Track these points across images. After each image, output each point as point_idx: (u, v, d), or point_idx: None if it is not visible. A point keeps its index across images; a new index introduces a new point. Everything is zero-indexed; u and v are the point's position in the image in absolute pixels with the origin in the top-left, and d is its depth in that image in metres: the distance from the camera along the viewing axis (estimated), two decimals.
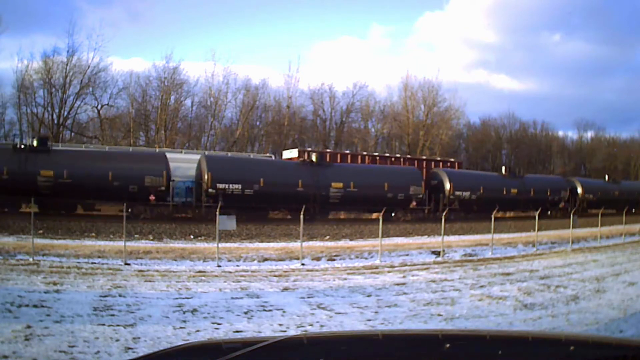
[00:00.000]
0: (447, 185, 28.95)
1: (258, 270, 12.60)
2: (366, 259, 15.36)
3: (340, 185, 25.39)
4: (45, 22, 67.00)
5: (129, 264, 12.48)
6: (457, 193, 29.04)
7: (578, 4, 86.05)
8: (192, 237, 19.31)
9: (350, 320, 7.71)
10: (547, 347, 2.13)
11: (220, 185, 22.67)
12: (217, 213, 14.55)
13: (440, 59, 79.74)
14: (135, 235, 17.97)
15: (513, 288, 10.63)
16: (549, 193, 33.02)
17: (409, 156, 40.28)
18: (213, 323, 7.27)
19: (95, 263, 12.51)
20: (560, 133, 69.21)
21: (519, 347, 2.07)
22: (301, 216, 15.14)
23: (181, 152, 32.90)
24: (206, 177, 22.64)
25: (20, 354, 5.50)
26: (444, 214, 17.40)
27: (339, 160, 30.24)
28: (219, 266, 12.85)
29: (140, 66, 71.16)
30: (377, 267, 13.68)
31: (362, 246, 18.11)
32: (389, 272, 12.87)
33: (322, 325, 7.35)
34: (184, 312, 7.83)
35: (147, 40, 77.73)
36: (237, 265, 13.23)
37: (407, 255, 16.24)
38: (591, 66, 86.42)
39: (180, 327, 6.95)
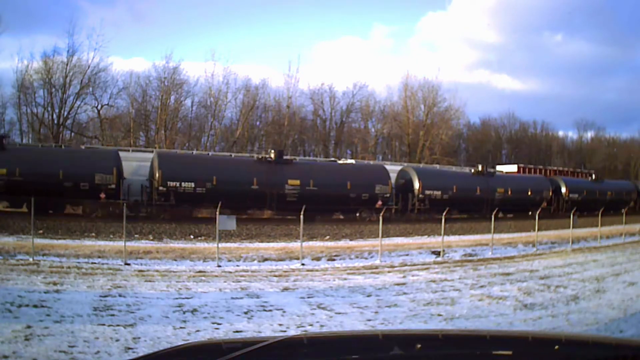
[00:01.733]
0: (417, 185, 27.63)
1: (258, 270, 12.60)
2: (366, 259, 15.36)
3: (297, 182, 24.19)
4: (45, 22, 67.18)
5: (129, 264, 12.48)
6: (427, 192, 27.76)
7: (579, 4, 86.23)
8: (192, 237, 19.31)
9: (350, 320, 7.71)
10: (547, 347, 2.13)
11: (172, 183, 22.16)
12: (217, 213, 14.54)
13: (442, 59, 79.97)
14: (135, 235, 17.97)
15: (513, 288, 10.63)
16: (529, 193, 31.64)
17: (540, 166, 39.42)
18: (213, 323, 7.27)
19: (95, 263, 12.51)
20: (560, 133, 69.42)
21: (519, 347, 2.06)
22: (301, 216, 15.13)
23: (145, 151, 31.54)
24: (157, 174, 22.30)
25: (20, 354, 5.51)
26: (445, 215, 17.35)
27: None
28: (219, 266, 12.85)
29: (140, 66, 71.48)
30: (377, 267, 13.68)
31: (362, 246, 18.10)
32: (389, 272, 12.87)
33: (322, 325, 7.35)
34: (184, 312, 7.83)
35: (147, 40, 77.86)
36: (237, 265, 13.23)
37: (407, 255, 16.24)
38: (592, 66, 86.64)
39: (180, 327, 6.95)
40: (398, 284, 11.01)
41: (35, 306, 7.72)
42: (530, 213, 29.16)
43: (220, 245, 14.27)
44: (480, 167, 31.77)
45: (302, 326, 7.34)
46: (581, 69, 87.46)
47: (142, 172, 24.38)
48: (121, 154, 24.36)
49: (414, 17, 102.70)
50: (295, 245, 16.69)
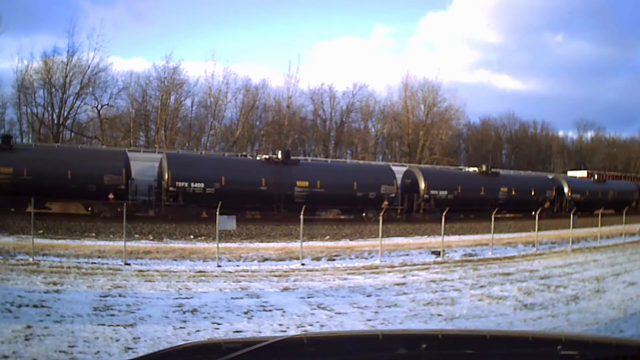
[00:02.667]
0: (422, 185, 27.74)
1: (258, 270, 12.60)
2: (366, 259, 15.36)
3: (306, 184, 24.45)
4: (45, 22, 67.07)
5: (129, 264, 12.48)
6: (432, 192, 27.86)
7: (580, 5, 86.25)
8: (192, 237, 19.31)
9: (350, 320, 7.71)
10: (547, 347, 2.13)
11: (180, 184, 22.34)
12: (217, 213, 14.54)
13: (443, 59, 79.96)
14: (135, 235, 17.98)
15: (513, 288, 10.63)
16: (533, 193, 31.67)
17: (612, 172, 39.69)
18: (213, 323, 7.27)
19: (95, 263, 12.51)
20: (561, 133, 69.42)
21: (519, 347, 2.06)
22: (301, 216, 15.14)
23: (153, 152, 31.95)
24: (167, 175, 22.42)
25: (20, 354, 5.51)
26: (445, 214, 17.36)
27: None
28: (219, 266, 12.85)
29: (140, 66, 71.44)
30: (377, 267, 13.68)
31: (362, 246, 18.11)
32: (389, 272, 12.87)
33: (322, 325, 7.35)
34: (184, 312, 7.83)
35: (147, 40, 77.81)
36: (237, 265, 13.23)
37: (407, 255, 16.24)
38: (592, 66, 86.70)
39: (180, 327, 6.95)
40: (398, 284, 11.01)
41: (35, 306, 7.72)
42: (533, 213, 29.43)
43: (220, 245, 14.27)
44: (484, 167, 32.19)
45: (302, 326, 7.34)
46: (581, 69, 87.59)
47: (149, 172, 24.55)
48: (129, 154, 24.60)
49: (414, 17, 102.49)
50: (295, 245, 16.69)
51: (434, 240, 19.53)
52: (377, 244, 16.51)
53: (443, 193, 28.06)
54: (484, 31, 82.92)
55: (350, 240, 20.75)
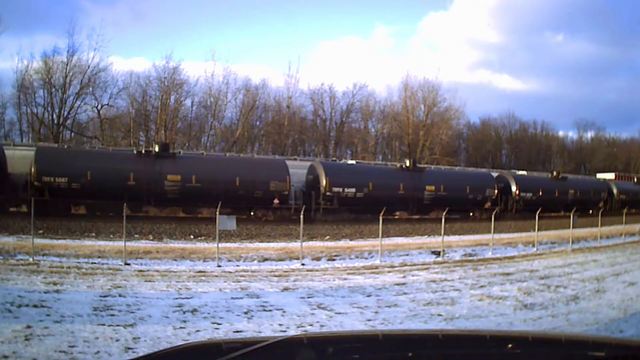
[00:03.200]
0: (323, 181, 25.13)
1: (258, 270, 12.60)
2: (366, 259, 15.36)
3: (178, 178, 22.71)
4: (45, 21, 67.19)
5: (129, 264, 12.48)
6: (336, 190, 25.17)
7: (580, 5, 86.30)
8: (192, 237, 19.31)
9: (350, 320, 7.70)
10: (547, 347, 2.13)
11: (47, 179, 21.09)
12: (217, 213, 14.54)
13: (443, 59, 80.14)
14: (135, 235, 17.98)
15: (513, 288, 10.63)
16: (468, 191, 29.28)
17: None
18: (213, 323, 7.27)
19: (95, 263, 12.51)
20: (561, 133, 69.48)
21: (519, 347, 2.06)
22: (301, 216, 15.14)
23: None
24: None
25: (20, 354, 5.50)
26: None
27: None
28: (219, 266, 12.85)
29: (140, 66, 71.48)
30: (377, 267, 13.67)
31: (362, 246, 18.11)
32: (389, 272, 12.87)
33: (322, 325, 7.35)
34: (184, 312, 7.83)
35: (147, 40, 77.92)
36: (237, 265, 13.23)
37: (407, 255, 16.24)
38: (593, 66, 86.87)
39: (180, 327, 6.95)
40: (398, 284, 11.01)
41: (35, 306, 7.72)
42: (471, 214, 28.97)
43: (220, 245, 14.27)
44: (408, 162, 29.05)
45: (302, 326, 7.33)
46: (582, 69, 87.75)
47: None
48: None
49: (415, 17, 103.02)
50: (295, 245, 16.69)
51: (434, 240, 19.53)
52: (377, 244, 16.51)
53: (350, 191, 25.46)
54: (484, 31, 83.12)
55: (350, 240, 20.76)
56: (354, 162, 36.40)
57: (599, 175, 48.05)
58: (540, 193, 31.63)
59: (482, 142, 62.04)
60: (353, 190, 25.64)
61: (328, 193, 25.13)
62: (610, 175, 47.24)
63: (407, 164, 28.92)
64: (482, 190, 29.91)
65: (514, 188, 31.21)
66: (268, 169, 25.44)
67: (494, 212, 19.48)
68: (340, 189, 25.40)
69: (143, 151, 23.94)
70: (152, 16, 72.40)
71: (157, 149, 23.70)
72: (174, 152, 25.57)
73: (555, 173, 35.81)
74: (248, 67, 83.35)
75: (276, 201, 24.12)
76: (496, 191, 30.34)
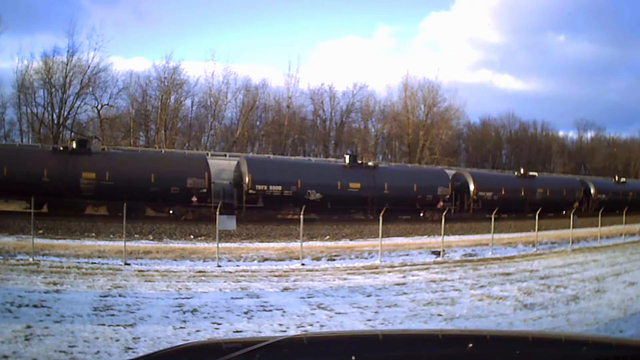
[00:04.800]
0: (246, 178, 23.73)
1: (258, 270, 12.60)
2: (366, 259, 15.36)
3: (93, 175, 21.76)
4: (45, 21, 67.13)
5: (129, 264, 12.48)
6: (259, 187, 23.77)
7: (582, 5, 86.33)
8: (192, 237, 19.31)
9: (350, 320, 7.70)
10: (547, 347, 2.13)
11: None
12: (217, 213, 14.54)
13: (444, 59, 79.86)
14: (135, 235, 17.98)
15: (513, 288, 10.63)
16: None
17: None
18: (213, 323, 7.27)
19: (95, 263, 12.51)
20: (561, 133, 69.37)
21: (519, 347, 2.06)
22: (301, 216, 15.14)
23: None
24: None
25: (20, 354, 5.50)
26: (444, 216, 17.34)
27: None
28: (219, 266, 12.85)
29: (140, 66, 71.36)
30: (377, 267, 13.68)
31: (362, 246, 18.11)
32: (389, 272, 12.87)
33: (322, 325, 7.35)
34: (184, 312, 7.83)
35: (147, 40, 77.74)
36: (237, 265, 13.23)
37: (407, 255, 16.24)
38: (593, 66, 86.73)
39: (180, 327, 6.95)
40: (398, 284, 11.01)
41: (35, 306, 7.72)
42: (422, 214, 28.28)
43: (220, 245, 14.28)
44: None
45: (302, 326, 7.33)
46: (582, 69, 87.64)
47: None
48: None
49: (417, 17, 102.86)
50: (295, 245, 16.69)
51: (434, 240, 19.53)
52: (377, 244, 16.51)
53: (276, 189, 24.08)
54: (486, 31, 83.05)
55: (350, 240, 20.76)
56: (295, 158, 34.57)
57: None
58: (503, 192, 30.29)
59: (482, 142, 62.00)
60: (279, 188, 24.20)
61: (251, 191, 23.68)
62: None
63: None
64: (434, 189, 28.45)
65: (471, 187, 29.84)
66: (185, 165, 24.33)
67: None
68: (265, 187, 23.93)
69: (61, 148, 23.09)
70: (153, 16, 72.41)
71: (74, 145, 22.87)
72: (90, 148, 23.90)
73: (522, 170, 34.04)
74: (248, 67, 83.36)
75: (194, 199, 22.95)
76: (450, 190, 29.08)
